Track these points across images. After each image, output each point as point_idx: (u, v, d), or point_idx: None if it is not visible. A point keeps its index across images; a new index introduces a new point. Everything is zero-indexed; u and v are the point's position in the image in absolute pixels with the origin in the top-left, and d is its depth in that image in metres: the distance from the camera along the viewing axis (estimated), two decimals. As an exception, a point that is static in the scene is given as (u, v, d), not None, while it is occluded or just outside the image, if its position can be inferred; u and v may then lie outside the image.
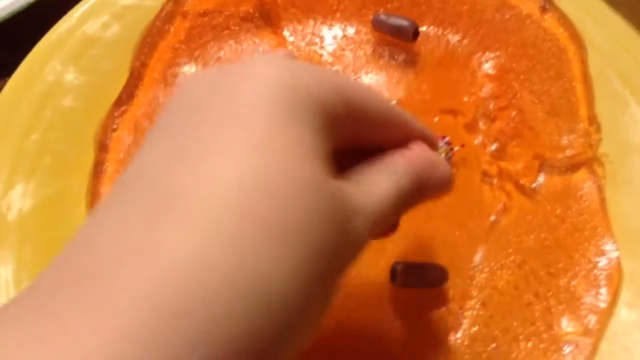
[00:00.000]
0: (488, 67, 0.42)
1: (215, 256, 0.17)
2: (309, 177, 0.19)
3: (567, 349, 0.34)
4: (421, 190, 0.26)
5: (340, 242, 0.20)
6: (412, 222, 0.37)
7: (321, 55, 0.42)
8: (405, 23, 0.41)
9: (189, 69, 0.42)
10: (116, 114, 0.40)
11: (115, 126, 0.39)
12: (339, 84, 0.22)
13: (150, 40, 0.42)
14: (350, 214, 0.21)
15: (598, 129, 0.40)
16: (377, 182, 0.24)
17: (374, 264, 0.36)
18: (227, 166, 0.18)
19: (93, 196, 0.38)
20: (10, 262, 0.35)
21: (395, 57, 0.42)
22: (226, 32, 0.43)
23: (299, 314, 0.18)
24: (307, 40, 0.43)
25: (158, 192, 0.18)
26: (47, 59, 0.41)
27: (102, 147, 0.39)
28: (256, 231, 0.17)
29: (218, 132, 0.19)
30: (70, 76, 0.41)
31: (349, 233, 0.21)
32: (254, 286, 0.17)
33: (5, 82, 0.40)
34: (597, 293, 0.36)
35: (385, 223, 0.24)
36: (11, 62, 0.41)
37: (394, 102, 0.41)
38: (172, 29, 0.42)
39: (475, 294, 0.36)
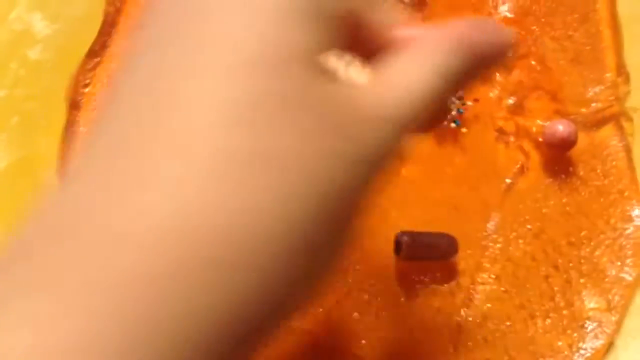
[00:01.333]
0: (505, 9, 0.38)
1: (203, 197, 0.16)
2: (296, 96, 0.17)
3: (589, 326, 0.32)
4: (476, 65, 0.21)
5: (348, 160, 0.17)
6: (417, 186, 0.34)
7: None
8: (411, -40, 0.37)
9: (169, 14, 0.37)
10: (88, 67, 0.36)
11: (87, 81, 0.36)
12: None
13: (125, -18, 0.38)
14: (360, 120, 0.18)
15: (627, 80, 0.36)
16: (407, 72, 0.19)
17: (375, 233, 0.33)
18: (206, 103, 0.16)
19: (64, 160, 0.35)
20: (-26, 234, 0.33)
21: (401, -2, 0.38)
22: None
23: (304, 255, 0.17)
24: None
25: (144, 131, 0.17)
26: (11, 3, 0.38)
27: (73, 105, 0.36)
28: (240, 166, 0.16)
29: (198, 57, 0.17)
30: (37, 24, 0.37)
31: (359, 144, 0.18)
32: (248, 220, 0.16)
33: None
34: (623, 264, 0.33)
35: (429, 114, 0.20)
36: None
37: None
38: (148, -30, 0.38)
39: (488, 266, 0.33)
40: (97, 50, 0.36)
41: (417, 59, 0.20)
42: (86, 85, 0.36)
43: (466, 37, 0.20)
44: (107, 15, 0.37)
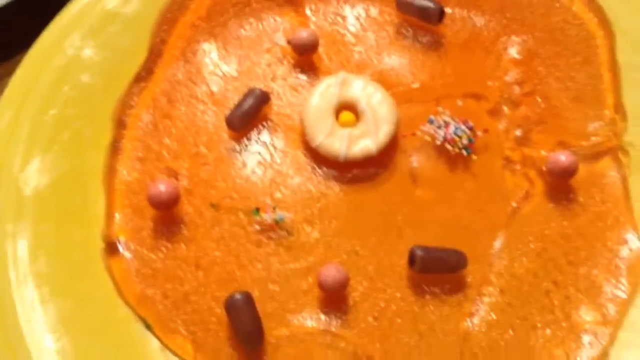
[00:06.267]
0: (514, 51, 0.41)
1: None
2: None
3: (585, 338, 0.34)
4: None
5: None
6: (431, 207, 0.37)
7: (343, 35, 0.41)
8: (430, 4, 0.40)
9: (208, 46, 0.41)
10: (134, 90, 0.39)
11: (133, 103, 0.39)
12: None
13: (170, 17, 0.41)
14: None
15: (624, 117, 0.39)
16: None
17: (392, 247, 0.36)
18: None
19: (110, 172, 0.38)
20: (25, 238, 0.35)
21: (419, 39, 0.41)
22: (247, 9, 0.42)
23: None
24: (329, 19, 0.42)
25: None
26: (67, 32, 0.40)
27: (119, 124, 0.39)
28: None
29: None
30: (89, 51, 0.40)
31: None
32: None
33: (25, 53, 0.40)
34: (618, 282, 0.35)
35: None
36: (32, 32, 0.40)
37: (417, 85, 0.40)
38: (192, 5, 0.41)
39: (493, 280, 0.35)
40: (143, 75, 0.40)
41: None
42: (132, 107, 0.39)
43: None
44: (153, 45, 0.40)
